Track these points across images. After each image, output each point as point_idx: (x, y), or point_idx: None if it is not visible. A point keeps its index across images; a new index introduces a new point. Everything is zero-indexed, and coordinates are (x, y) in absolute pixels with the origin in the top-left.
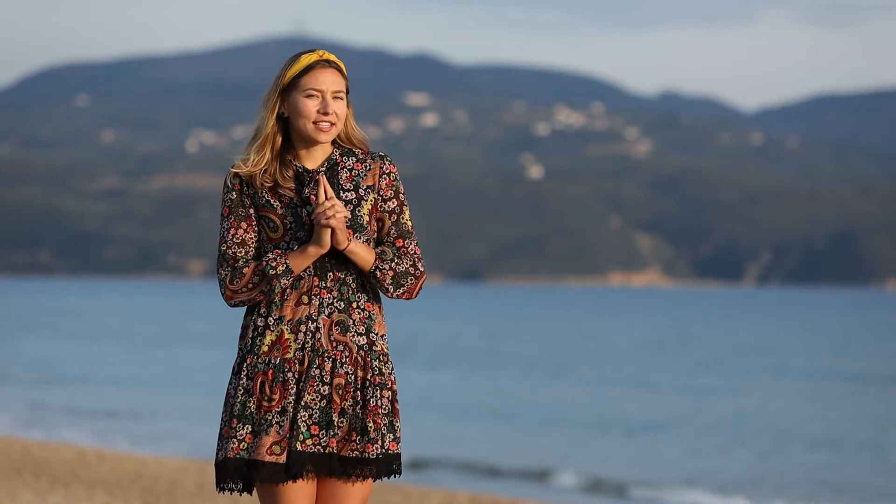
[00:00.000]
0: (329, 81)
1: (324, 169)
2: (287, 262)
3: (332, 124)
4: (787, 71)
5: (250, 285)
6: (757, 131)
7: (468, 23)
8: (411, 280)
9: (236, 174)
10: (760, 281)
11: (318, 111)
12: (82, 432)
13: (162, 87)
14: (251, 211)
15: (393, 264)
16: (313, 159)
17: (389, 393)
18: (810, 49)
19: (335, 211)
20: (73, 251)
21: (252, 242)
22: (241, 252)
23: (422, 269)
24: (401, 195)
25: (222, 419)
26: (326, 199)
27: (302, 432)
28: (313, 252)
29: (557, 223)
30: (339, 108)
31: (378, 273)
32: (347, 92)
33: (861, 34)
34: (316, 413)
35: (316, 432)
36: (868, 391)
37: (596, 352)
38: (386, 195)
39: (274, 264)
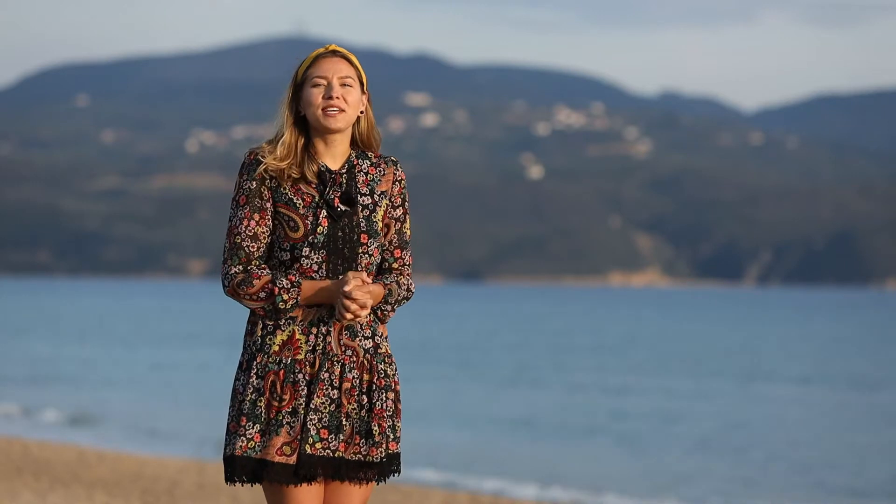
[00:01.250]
0: (334, 68)
1: (345, 171)
2: (297, 299)
3: (341, 110)
4: (787, 71)
5: (256, 298)
6: (757, 131)
7: (468, 23)
8: (403, 303)
9: (262, 166)
10: (760, 281)
11: (323, 97)
12: (82, 432)
13: (162, 87)
14: (268, 204)
15: (394, 304)
16: (333, 157)
17: (393, 394)
18: (810, 49)
19: (356, 314)
20: (73, 251)
21: (264, 238)
22: (253, 248)
23: (413, 291)
24: (406, 203)
25: (230, 414)
26: (356, 296)
27: (312, 435)
28: (326, 303)
29: (557, 223)
30: (347, 94)
31: (380, 313)
32: (363, 84)
33: (861, 34)
34: (325, 417)
35: (325, 436)
36: (833, 395)
37: (563, 353)
38: (396, 202)
39: (286, 297)
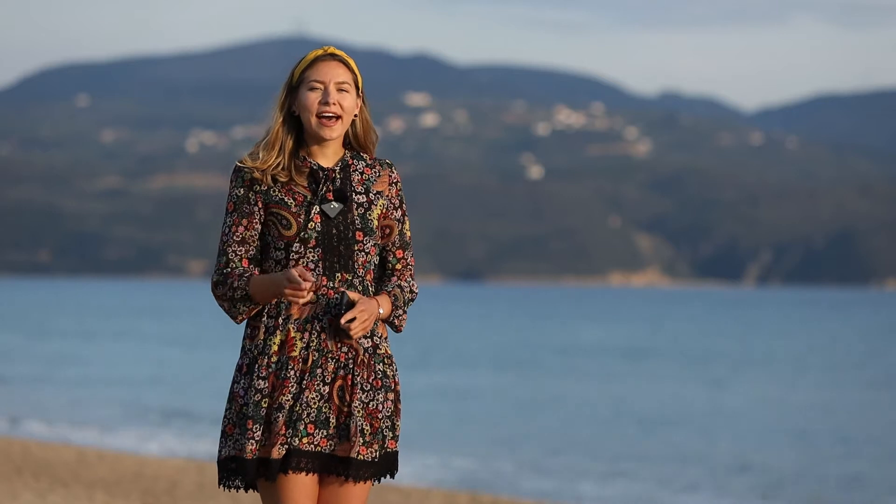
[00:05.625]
0: (332, 73)
1: (339, 168)
2: (247, 289)
3: (337, 117)
4: (787, 71)
5: (226, 295)
6: (757, 131)
7: (468, 23)
8: (409, 304)
9: (247, 172)
10: (760, 281)
11: (319, 102)
12: (82, 432)
13: (162, 87)
14: (256, 208)
15: (403, 307)
16: (326, 157)
17: (392, 395)
18: (811, 50)
19: (357, 328)
20: (73, 251)
21: (253, 241)
22: (241, 251)
23: (416, 291)
24: (404, 205)
25: (226, 416)
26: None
27: (300, 430)
28: (278, 294)
29: (557, 223)
30: (343, 99)
31: (396, 321)
32: (359, 88)
33: (863, 36)
34: (313, 412)
35: (312, 431)
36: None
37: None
38: (395, 203)
39: (236, 284)
